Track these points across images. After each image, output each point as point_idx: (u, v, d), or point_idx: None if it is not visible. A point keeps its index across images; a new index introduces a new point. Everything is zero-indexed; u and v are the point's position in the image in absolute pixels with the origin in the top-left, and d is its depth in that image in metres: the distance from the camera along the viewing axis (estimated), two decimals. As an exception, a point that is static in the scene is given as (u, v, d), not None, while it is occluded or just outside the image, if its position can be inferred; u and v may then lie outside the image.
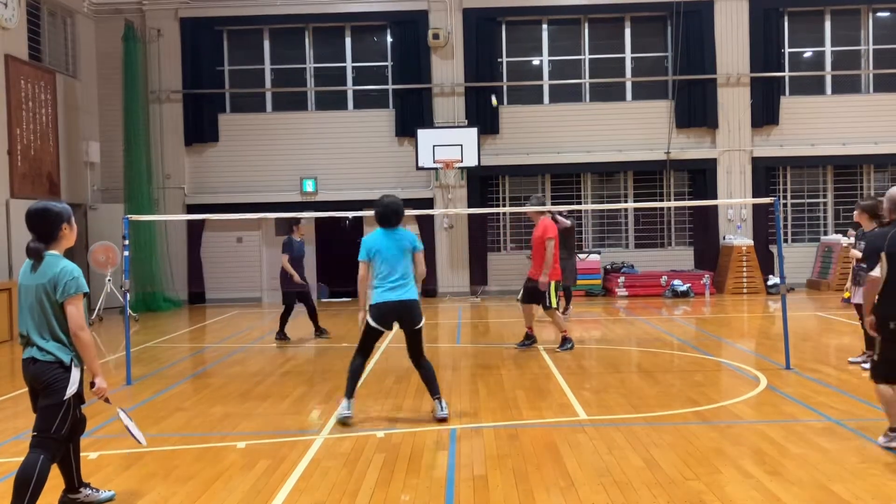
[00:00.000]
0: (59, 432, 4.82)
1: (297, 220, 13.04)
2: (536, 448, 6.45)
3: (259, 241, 19.97)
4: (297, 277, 12.73)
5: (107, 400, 5.10)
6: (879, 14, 20.21)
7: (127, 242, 9.90)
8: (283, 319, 13.01)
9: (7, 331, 14.08)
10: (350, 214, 18.21)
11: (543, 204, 11.83)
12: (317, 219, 19.35)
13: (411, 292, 7.45)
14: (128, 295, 10.08)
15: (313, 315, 13.18)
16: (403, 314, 7.42)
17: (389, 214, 7.46)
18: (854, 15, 20.06)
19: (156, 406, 8.43)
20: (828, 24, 20.05)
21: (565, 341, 11.13)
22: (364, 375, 7.93)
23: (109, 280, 16.62)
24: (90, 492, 5.40)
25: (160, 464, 6.33)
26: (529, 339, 11.44)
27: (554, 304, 11.01)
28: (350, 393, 7.44)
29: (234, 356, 11.74)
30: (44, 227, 4.92)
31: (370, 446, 6.63)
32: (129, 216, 10.23)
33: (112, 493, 5.53)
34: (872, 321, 6.16)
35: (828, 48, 20.09)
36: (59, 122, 18.07)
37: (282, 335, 12.96)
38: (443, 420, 7.32)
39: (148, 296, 18.46)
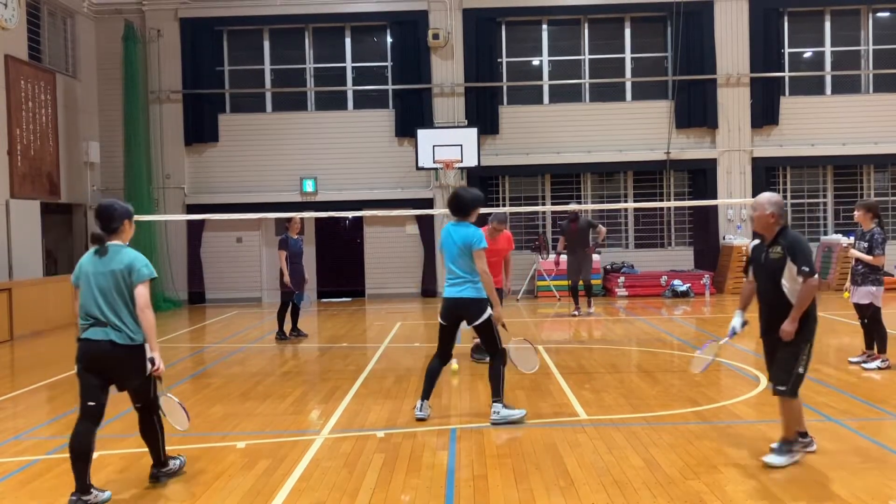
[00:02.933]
0: (155, 394, 5.75)
1: (288, 219, 13.09)
2: (536, 448, 6.45)
3: (259, 241, 19.97)
4: (286, 277, 12.76)
5: (159, 378, 5.70)
6: (879, 14, 20.21)
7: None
8: (281, 318, 13.06)
9: (7, 331, 14.09)
10: (350, 214, 18.22)
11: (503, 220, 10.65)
12: (316, 219, 19.35)
13: (467, 290, 7.21)
14: (128, 295, 10.05)
15: (295, 315, 13.27)
16: (461, 312, 7.30)
17: (449, 204, 7.37)
18: (854, 15, 20.06)
19: (156, 406, 8.42)
20: (828, 25, 20.05)
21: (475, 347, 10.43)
22: (437, 377, 7.53)
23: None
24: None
25: (160, 464, 6.32)
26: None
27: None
28: (426, 394, 7.41)
29: (234, 356, 11.74)
30: (108, 221, 5.59)
31: (370, 446, 6.63)
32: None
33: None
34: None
35: (828, 48, 20.09)
36: (59, 122, 18.08)
37: (297, 333, 13.18)
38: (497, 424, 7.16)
39: (148, 296, 18.41)
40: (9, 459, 6.54)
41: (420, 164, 18.67)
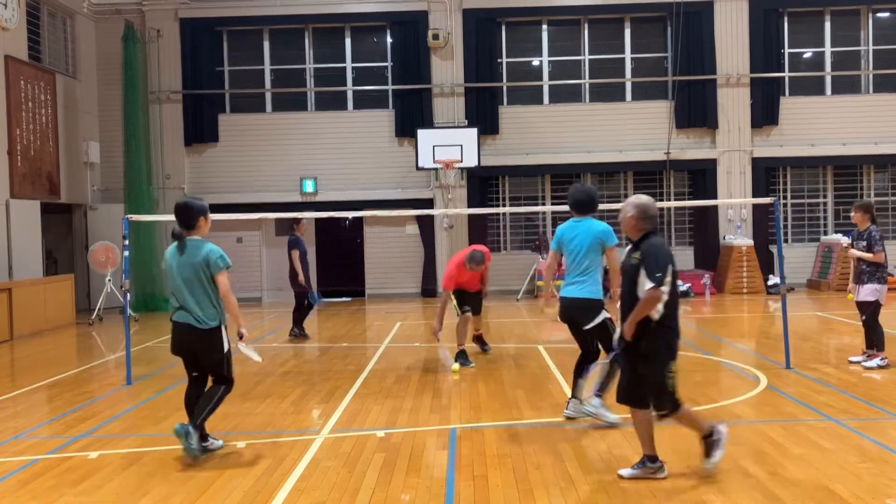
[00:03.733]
0: (229, 373, 6.46)
1: (297, 220, 13.19)
2: (536, 448, 6.45)
3: (259, 241, 19.98)
4: (302, 277, 12.92)
5: (240, 336, 6.49)
6: (879, 14, 20.21)
7: (127, 242, 9.89)
8: (297, 316, 13.30)
9: (7, 331, 14.08)
10: (350, 215, 18.21)
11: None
12: (317, 219, 19.34)
13: (582, 290, 7.01)
14: (128, 295, 10.07)
15: (304, 314, 13.44)
16: (573, 313, 7.08)
17: (576, 202, 7.19)
18: (854, 15, 20.06)
19: (156, 406, 8.43)
20: (828, 25, 20.06)
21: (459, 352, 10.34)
22: (584, 374, 7.34)
23: (109, 280, 16.61)
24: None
25: (160, 464, 6.32)
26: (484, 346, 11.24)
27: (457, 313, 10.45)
28: (575, 391, 7.23)
29: (234, 356, 11.72)
30: (185, 219, 6.29)
31: (370, 446, 6.63)
32: (129, 216, 10.22)
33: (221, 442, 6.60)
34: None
35: (828, 48, 20.09)
36: (59, 123, 18.08)
37: (300, 332, 13.29)
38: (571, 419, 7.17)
39: (148, 296, 18.44)
40: (9, 459, 6.54)
41: (420, 165, 18.67)
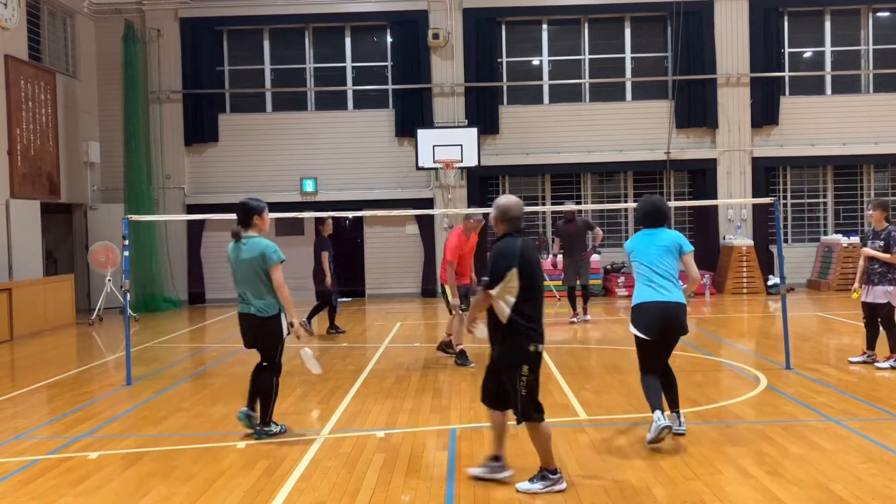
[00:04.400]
0: (279, 358, 6.94)
1: (323, 220, 13.63)
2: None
3: (259, 241, 19.94)
4: (329, 279, 13.28)
5: (298, 336, 6.95)
6: (879, 14, 20.20)
7: (127, 242, 9.89)
8: (330, 315, 13.81)
9: (7, 331, 14.08)
10: (350, 214, 18.21)
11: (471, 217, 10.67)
12: (316, 219, 19.31)
13: (679, 294, 6.62)
14: (128, 295, 10.07)
15: (316, 312, 13.79)
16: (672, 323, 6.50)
17: (648, 216, 6.80)
18: (854, 15, 20.06)
19: (156, 406, 8.43)
20: (828, 24, 20.05)
21: (458, 353, 10.51)
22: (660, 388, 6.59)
23: (109, 280, 16.61)
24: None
25: (160, 464, 6.33)
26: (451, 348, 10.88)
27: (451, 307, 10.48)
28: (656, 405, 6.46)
29: (234, 356, 11.73)
30: (243, 217, 6.82)
31: (370, 446, 6.63)
32: (129, 216, 10.22)
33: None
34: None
35: (828, 48, 20.08)
36: (59, 122, 18.07)
37: (335, 328, 13.80)
38: (680, 435, 6.56)
39: (148, 296, 18.44)
40: (9, 459, 6.54)
41: (420, 164, 18.67)
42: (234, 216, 12.15)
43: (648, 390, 6.41)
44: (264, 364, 6.93)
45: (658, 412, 6.24)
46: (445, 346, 10.85)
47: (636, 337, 6.45)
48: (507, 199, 5.66)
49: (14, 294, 14.40)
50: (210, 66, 19.84)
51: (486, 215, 10.38)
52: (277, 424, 7.02)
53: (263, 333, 6.85)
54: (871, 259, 9.28)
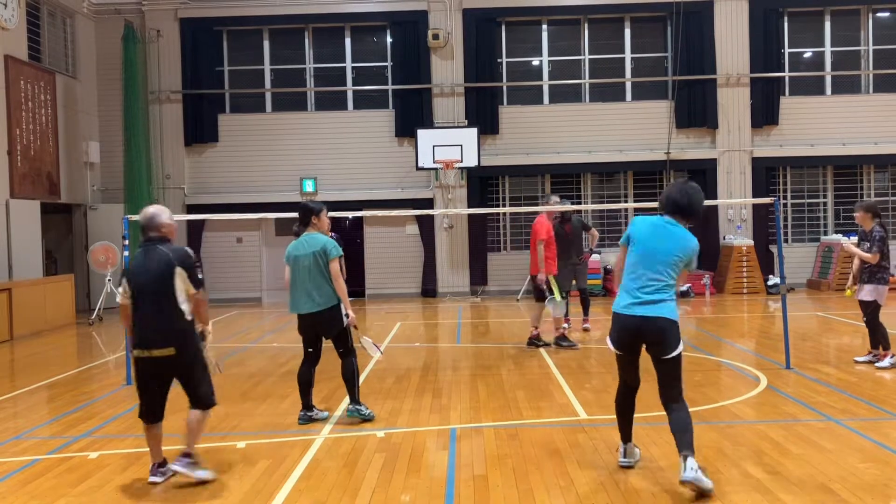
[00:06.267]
0: (351, 343, 7.43)
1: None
2: (536, 448, 6.45)
3: (259, 242, 19.97)
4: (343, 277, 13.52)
5: (355, 326, 7.41)
6: (879, 14, 20.20)
7: (127, 242, 9.89)
8: None
9: (7, 331, 14.08)
10: (350, 214, 18.21)
11: (549, 202, 11.86)
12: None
13: (668, 309, 5.49)
14: (128, 295, 10.06)
15: None
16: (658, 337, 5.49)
17: (677, 205, 5.86)
18: (854, 15, 20.06)
19: (156, 406, 8.41)
20: (828, 25, 20.05)
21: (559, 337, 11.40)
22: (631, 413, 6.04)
23: (109, 280, 16.60)
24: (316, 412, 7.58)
25: (160, 464, 6.32)
26: (539, 341, 11.49)
27: (557, 297, 11.14)
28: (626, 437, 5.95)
29: (234, 356, 11.73)
30: (303, 216, 7.42)
31: (370, 446, 6.63)
32: (129, 216, 10.22)
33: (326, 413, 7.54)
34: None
35: (828, 48, 20.08)
36: (59, 122, 18.07)
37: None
38: (688, 484, 5.22)
39: (148, 296, 18.41)
40: (9, 459, 6.54)
41: (420, 164, 18.67)
42: (233, 216, 12.32)
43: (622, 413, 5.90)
44: (340, 351, 7.39)
45: (624, 445, 5.87)
46: (535, 340, 11.40)
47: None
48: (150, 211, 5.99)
49: (14, 294, 14.40)
50: (210, 66, 19.85)
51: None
52: (366, 407, 7.53)
53: (330, 323, 7.28)
54: (860, 260, 9.49)
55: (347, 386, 7.44)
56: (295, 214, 12.68)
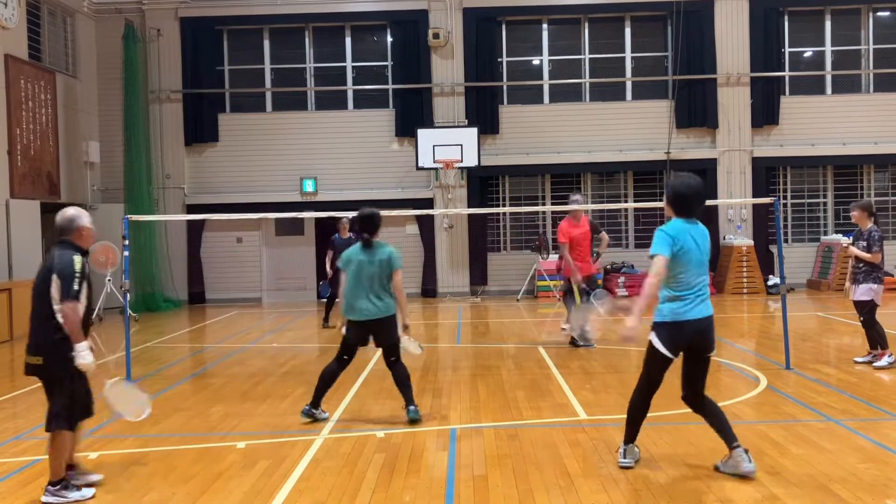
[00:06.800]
0: (399, 353, 7.53)
1: (338, 219, 14.25)
2: (536, 448, 6.45)
3: (259, 241, 19.97)
4: (328, 273, 14.12)
5: (409, 336, 7.62)
6: (879, 14, 20.20)
7: (127, 242, 9.89)
8: (327, 309, 14.80)
9: (7, 331, 14.08)
10: (350, 214, 18.19)
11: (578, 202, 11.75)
12: (316, 219, 19.33)
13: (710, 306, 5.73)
14: (128, 295, 10.08)
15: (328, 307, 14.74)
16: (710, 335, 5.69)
17: (689, 199, 5.67)
18: (854, 15, 20.05)
19: (156, 406, 8.37)
20: (828, 24, 20.05)
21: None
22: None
23: (109, 280, 16.61)
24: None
25: (160, 464, 6.33)
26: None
27: (577, 303, 11.22)
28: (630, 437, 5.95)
29: (234, 356, 11.74)
30: (373, 226, 7.43)
31: (370, 446, 6.63)
32: (129, 216, 10.22)
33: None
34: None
35: (828, 48, 20.08)
36: (59, 122, 18.06)
37: (327, 322, 14.69)
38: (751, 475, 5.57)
39: (148, 296, 18.45)
40: (9, 459, 6.54)
41: (420, 164, 18.67)
42: (233, 216, 12.37)
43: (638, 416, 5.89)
44: (392, 359, 7.48)
45: (630, 445, 5.89)
46: (574, 341, 11.50)
47: (657, 351, 5.65)
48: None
49: (14, 294, 14.39)
50: (210, 65, 19.84)
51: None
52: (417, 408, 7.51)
53: (387, 331, 7.38)
54: (857, 258, 9.48)
55: (404, 389, 7.44)
56: (295, 214, 12.80)
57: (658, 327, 5.61)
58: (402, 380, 7.44)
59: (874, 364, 9.41)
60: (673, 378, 8.76)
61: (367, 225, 7.44)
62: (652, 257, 5.55)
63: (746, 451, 5.59)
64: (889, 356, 9.38)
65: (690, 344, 5.62)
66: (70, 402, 5.50)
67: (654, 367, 5.70)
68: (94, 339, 5.92)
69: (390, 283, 7.34)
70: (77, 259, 5.47)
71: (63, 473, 5.49)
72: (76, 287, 5.37)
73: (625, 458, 5.87)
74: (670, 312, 5.56)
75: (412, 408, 7.39)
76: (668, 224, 5.70)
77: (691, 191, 5.67)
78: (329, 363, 7.55)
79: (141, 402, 6.04)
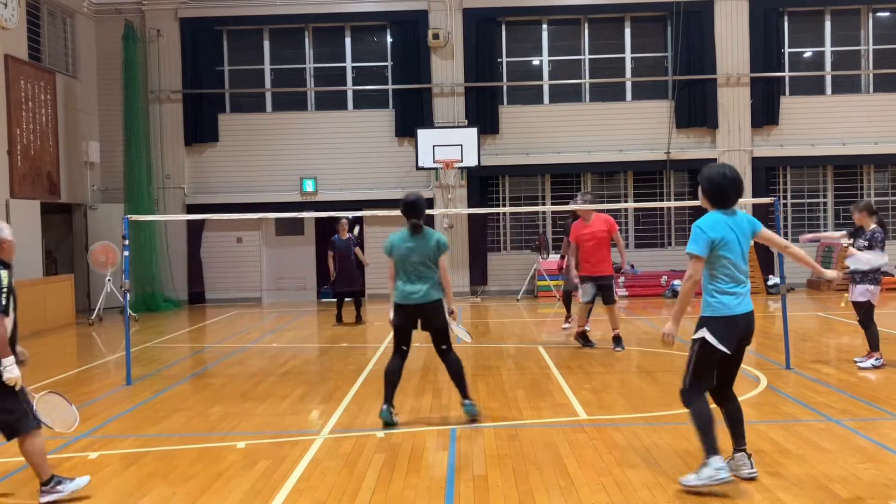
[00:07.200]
0: (450, 340, 7.38)
1: (337, 220, 14.68)
2: (536, 448, 6.45)
3: (259, 241, 19.97)
4: (332, 274, 14.67)
5: (455, 320, 7.46)
6: (879, 14, 20.20)
7: (127, 242, 9.89)
8: (338, 307, 15.32)
9: (7, 331, 14.06)
10: (350, 214, 18.19)
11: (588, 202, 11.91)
12: (316, 219, 19.33)
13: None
14: (128, 295, 10.08)
15: (357, 306, 15.29)
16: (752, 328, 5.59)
17: (727, 187, 5.48)
18: (854, 15, 20.05)
19: (156, 406, 8.43)
20: (828, 24, 20.05)
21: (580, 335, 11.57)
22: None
23: (109, 280, 16.61)
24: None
25: (160, 464, 6.33)
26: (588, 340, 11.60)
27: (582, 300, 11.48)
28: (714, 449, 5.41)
29: (234, 356, 11.74)
30: (420, 211, 7.42)
31: (370, 446, 6.63)
32: (129, 216, 10.23)
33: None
34: None
35: (828, 48, 20.08)
36: (59, 122, 18.06)
37: (338, 320, 15.17)
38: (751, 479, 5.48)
39: (148, 296, 18.45)
40: (9, 460, 6.53)
41: (420, 164, 18.67)
42: (233, 216, 12.37)
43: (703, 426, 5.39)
44: (443, 347, 7.37)
45: (718, 457, 5.29)
46: (583, 338, 11.55)
47: (707, 345, 5.34)
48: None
49: (14, 294, 14.38)
50: (210, 66, 19.84)
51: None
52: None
53: (437, 315, 7.33)
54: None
55: (459, 382, 7.37)
56: (295, 214, 12.83)
57: (711, 322, 5.34)
58: (457, 371, 7.36)
59: (859, 364, 9.40)
60: (671, 378, 8.77)
61: (414, 210, 7.41)
62: (688, 254, 5.43)
63: (750, 457, 5.52)
64: (876, 359, 9.35)
65: (741, 337, 5.46)
66: (21, 402, 5.40)
67: (705, 365, 5.38)
68: (24, 353, 5.91)
69: (437, 267, 7.34)
70: (3, 273, 5.34)
71: (50, 471, 5.48)
72: (3, 302, 5.24)
73: (726, 473, 5.25)
74: (723, 306, 5.35)
75: (468, 402, 7.34)
76: (704, 218, 5.46)
77: (727, 181, 5.44)
78: (389, 362, 7.42)
79: (70, 413, 5.82)
